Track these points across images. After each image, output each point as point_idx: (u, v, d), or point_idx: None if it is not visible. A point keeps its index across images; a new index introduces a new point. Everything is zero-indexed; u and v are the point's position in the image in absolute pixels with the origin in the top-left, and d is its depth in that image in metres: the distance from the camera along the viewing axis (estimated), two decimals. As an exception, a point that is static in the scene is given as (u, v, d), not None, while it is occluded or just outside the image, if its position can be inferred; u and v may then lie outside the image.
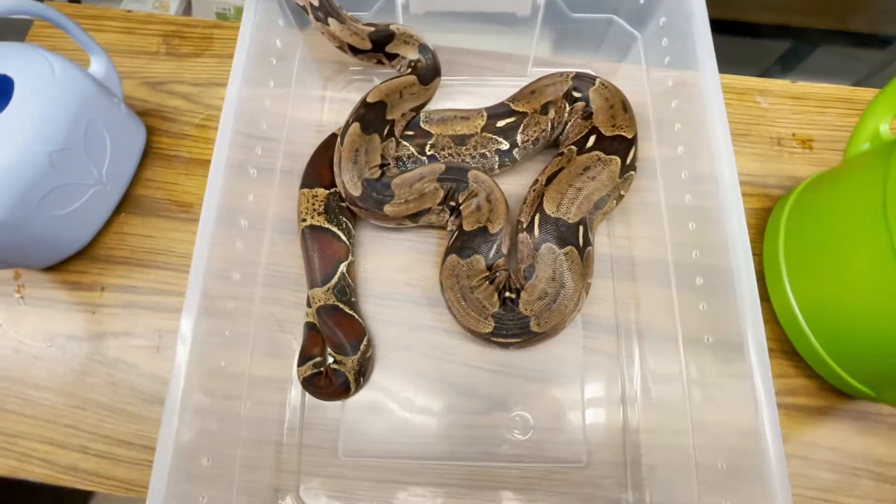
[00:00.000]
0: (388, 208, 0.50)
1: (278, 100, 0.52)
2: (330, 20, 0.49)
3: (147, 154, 0.60)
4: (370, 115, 0.51)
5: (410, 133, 0.54)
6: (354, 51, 0.52)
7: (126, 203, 0.58)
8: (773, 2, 0.71)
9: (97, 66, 0.54)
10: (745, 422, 0.36)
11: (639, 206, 0.54)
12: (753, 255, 0.54)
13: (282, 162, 0.52)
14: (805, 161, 0.59)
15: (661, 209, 0.50)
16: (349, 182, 0.50)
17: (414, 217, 0.52)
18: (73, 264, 0.55)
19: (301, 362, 0.50)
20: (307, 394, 0.50)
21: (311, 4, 0.48)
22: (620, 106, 0.52)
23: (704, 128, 0.42)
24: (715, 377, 0.41)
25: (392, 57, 0.54)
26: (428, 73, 0.54)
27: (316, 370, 0.49)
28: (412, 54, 0.53)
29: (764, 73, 0.73)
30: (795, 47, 0.77)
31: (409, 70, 0.54)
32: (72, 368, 0.52)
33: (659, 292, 0.49)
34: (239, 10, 1.06)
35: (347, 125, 0.51)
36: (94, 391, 0.51)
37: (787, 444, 0.49)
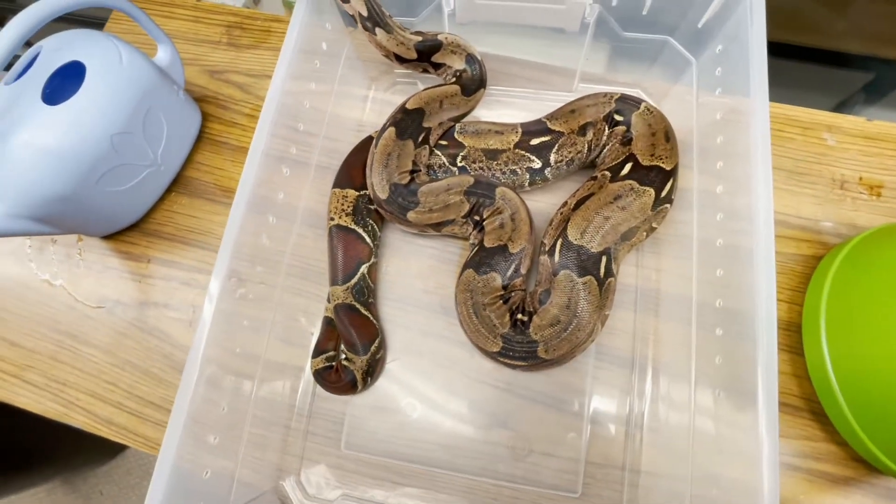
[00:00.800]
0: (411, 215, 0.51)
1: (320, 96, 0.54)
2: (377, 30, 0.49)
3: (200, 138, 0.64)
4: (407, 121, 0.52)
5: (444, 143, 0.54)
6: (400, 60, 0.52)
7: (177, 183, 0.62)
8: (861, 29, 0.64)
9: (163, 54, 0.58)
10: (746, 479, 0.34)
11: (672, 237, 0.52)
12: (794, 304, 0.51)
13: (318, 157, 0.54)
14: (869, 209, 0.53)
15: (693, 245, 0.47)
16: (378, 185, 0.51)
17: (437, 226, 0.52)
18: (127, 235, 0.61)
19: (315, 354, 0.52)
20: (317, 390, 0.52)
21: (359, 14, 0.49)
22: (663, 134, 0.50)
23: (746, 165, 0.40)
24: (724, 428, 0.40)
25: (438, 66, 0.54)
26: (472, 85, 0.53)
27: (328, 364, 0.52)
28: (459, 64, 0.53)
29: (842, 104, 0.67)
30: (880, 79, 0.69)
31: (454, 80, 0.54)
32: (116, 330, 0.57)
33: (680, 330, 0.47)
34: None
35: (384, 128, 0.52)
36: (132, 354, 0.56)
37: (802, 510, 0.46)
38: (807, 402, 0.48)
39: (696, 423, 0.43)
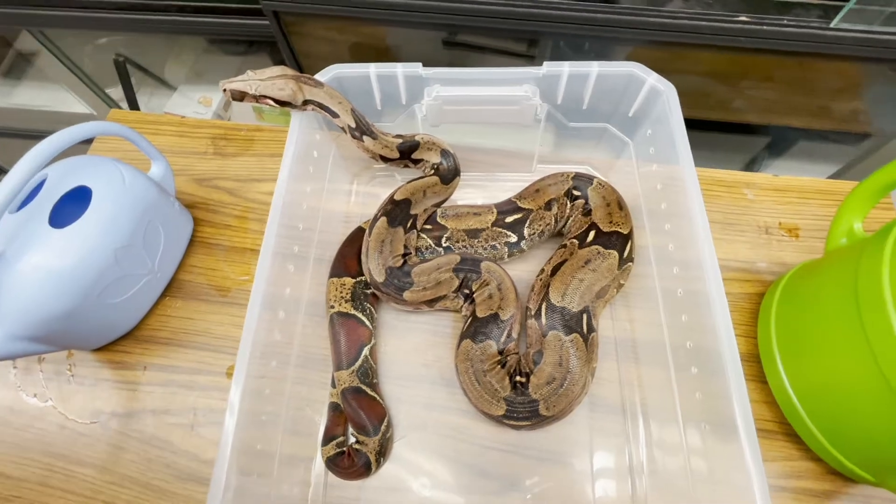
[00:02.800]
0: (407, 294, 0.55)
1: (313, 196, 0.59)
2: (365, 138, 0.57)
3: (192, 242, 0.67)
4: (396, 211, 0.58)
5: (429, 227, 0.61)
6: (385, 160, 0.60)
7: (171, 287, 0.64)
8: (757, 103, 0.80)
9: (157, 169, 0.63)
10: None
11: (638, 290, 0.59)
12: (750, 337, 0.58)
13: (315, 250, 0.59)
14: (793, 248, 0.63)
15: (657, 294, 0.54)
16: (374, 269, 0.56)
17: (430, 302, 0.57)
18: (120, 345, 0.61)
19: (325, 442, 0.53)
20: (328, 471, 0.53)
21: (348, 126, 0.56)
22: (616, 204, 0.58)
23: (688, 223, 0.47)
24: (714, 459, 0.44)
25: (417, 161, 0.61)
26: (448, 175, 0.61)
27: (339, 450, 0.53)
28: (435, 158, 0.61)
29: (752, 161, 0.80)
30: (778, 139, 0.85)
31: (433, 172, 0.61)
32: (112, 444, 0.56)
33: (659, 374, 0.52)
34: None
35: (376, 219, 0.58)
36: (131, 468, 0.55)
37: (797, 529, 0.50)
38: (780, 424, 0.54)
39: (690, 462, 0.47)
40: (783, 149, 0.86)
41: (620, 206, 0.58)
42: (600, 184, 0.60)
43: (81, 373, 0.60)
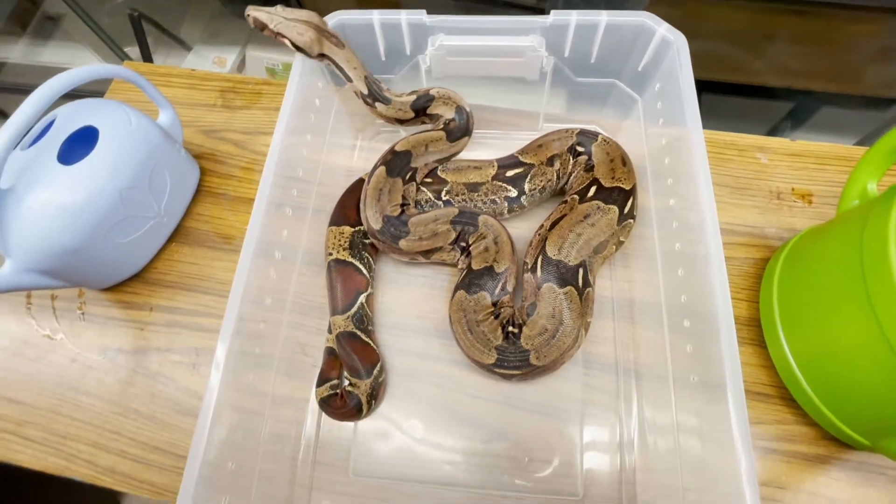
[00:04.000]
0: (402, 243, 0.55)
1: (314, 147, 0.60)
2: (377, 104, 0.57)
3: (199, 191, 0.68)
4: (396, 161, 0.58)
5: (429, 180, 0.60)
6: (401, 122, 0.59)
7: (178, 234, 0.65)
8: (778, 66, 0.76)
9: (165, 117, 0.64)
10: (727, 463, 0.38)
11: (638, 251, 0.58)
12: (752, 302, 0.57)
13: (314, 201, 0.59)
14: (804, 215, 0.61)
15: (657, 255, 0.53)
16: (371, 217, 0.56)
17: (426, 254, 0.57)
18: (129, 286, 0.63)
19: (319, 383, 0.55)
20: (323, 414, 0.54)
21: (360, 92, 0.56)
22: (620, 160, 0.57)
23: (692, 183, 0.46)
24: (704, 419, 0.43)
25: (432, 117, 0.61)
26: (458, 132, 0.60)
27: (332, 391, 0.54)
28: (448, 114, 0.60)
29: (772, 131, 0.77)
30: (800, 107, 0.81)
31: (442, 127, 0.60)
32: (118, 379, 0.58)
33: (654, 334, 0.52)
34: (287, 66, 1.19)
35: (375, 167, 0.58)
36: (136, 401, 0.57)
37: (786, 491, 0.49)
38: (776, 389, 0.53)
39: (678, 415, 0.46)
40: (805, 116, 0.82)
41: (624, 161, 0.57)
42: (605, 140, 0.59)
43: (91, 311, 0.62)
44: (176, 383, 0.58)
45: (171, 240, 0.65)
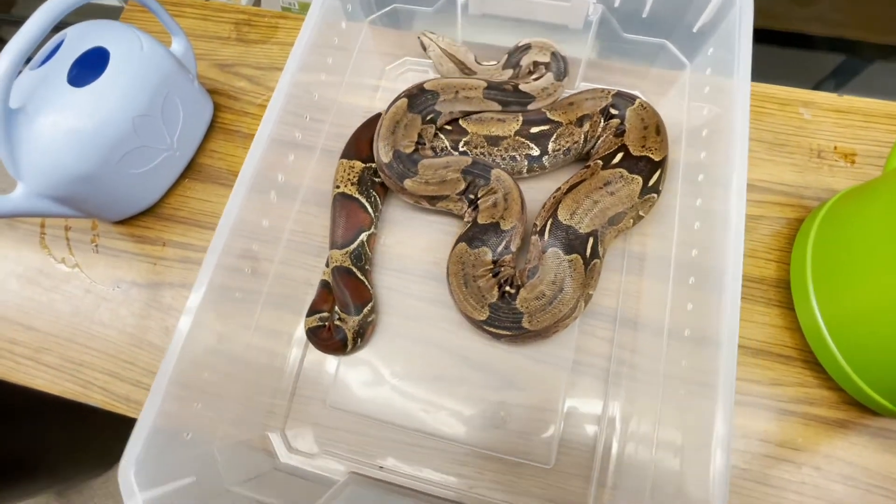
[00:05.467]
0: (407, 183, 0.53)
1: (329, 86, 0.57)
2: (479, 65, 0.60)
3: (212, 127, 0.66)
4: (420, 98, 0.55)
5: (449, 127, 0.57)
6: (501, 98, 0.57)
7: (190, 169, 0.64)
8: (828, 15, 0.70)
9: (177, 45, 0.61)
10: (706, 416, 0.36)
11: (658, 215, 0.55)
12: (782, 263, 0.55)
13: (324, 140, 0.57)
14: (845, 175, 0.58)
15: (675, 211, 0.51)
16: (382, 148, 0.54)
17: (431, 199, 0.55)
18: (141, 220, 0.62)
19: (309, 314, 0.54)
20: (310, 346, 0.54)
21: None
22: (654, 128, 0.53)
23: (727, 140, 0.43)
24: (692, 373, 0.42)
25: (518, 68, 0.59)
26: (505, 99, 0.57)
27: (321, 323, 0.54)
28: (525, 87, 0.57)
29: (816, 87, 0.72)
30: (849, 62, 0.75)
31: (507, 80, 0.58)
32: (132, 311, 0.58)
33: (659, 286, 0.50)
34: (303, 6, 1.13)
35: (397, 99, 0.55)
36: (149, 333, 0.57)
37: (801, 453, 0.49)
38: (799, 352, 0.52)
39: (667, 370, 0.45)
40: (854, 72, 0.76)
41: (658, 130, 0.53)
42: (642, 105, 0.54)
43: (105, 243, 0.62)
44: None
45: (183, 175, 0.63)
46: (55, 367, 0.56)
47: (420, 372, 0.54)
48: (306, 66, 0.51)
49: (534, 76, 0.58)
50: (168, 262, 0.60)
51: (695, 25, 0.51)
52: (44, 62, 0.51)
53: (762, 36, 0.73)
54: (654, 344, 0.48)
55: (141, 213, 0.62)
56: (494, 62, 0.60)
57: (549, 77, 0.57)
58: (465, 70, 0.60)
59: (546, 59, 0.58)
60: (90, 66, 0.52)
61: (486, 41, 0.60)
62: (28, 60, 0.52)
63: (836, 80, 0.82)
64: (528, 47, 0.58)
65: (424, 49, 0.60)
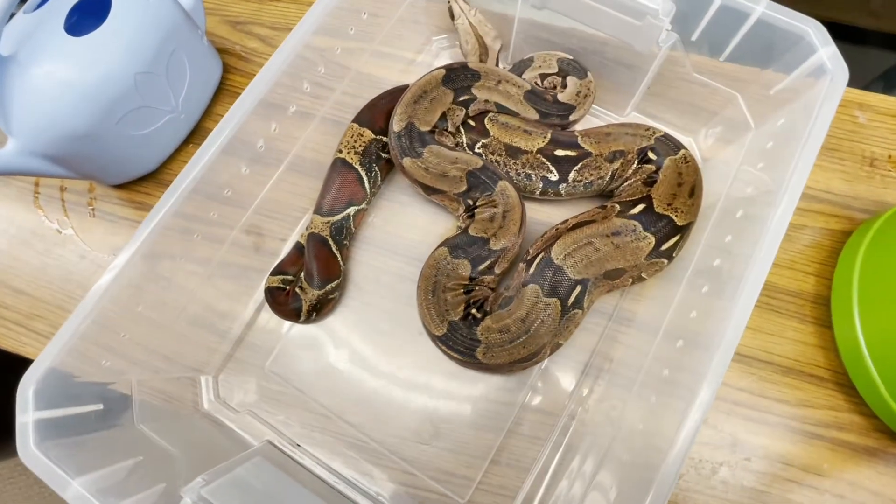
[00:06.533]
0: (406, 161, 0.49)
1: (347, 53, 0.52)
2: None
3: (220, 90, 0.61)
4: (460, 74, 0.51)
5: (472, 122, 0.53)
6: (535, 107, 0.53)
7: (195, 134, 0.60)
8: (885, 10, 0.64)
9: (186, -3, 0.56)
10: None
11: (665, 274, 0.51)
12: (823, 278, 0.51)
13: (327, 109, 0.53)
14: (899, 187, 0.54)
15: (682, 281, 0.46)
16: (398, 115, 0.50)
17: (427, 189, 0.51)
18: (141, 185, 0.58)
19: (274, 272, 0.52)
20: (260, 312, 0.53)
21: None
22: (689, 188, 0.47)
23: (758, 230, 0.38)
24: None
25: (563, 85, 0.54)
26: (548, 111, 0.52)
27: (282, 285, 0.52)
28: (564, 97, 0.52)
29: (866, 88, 0.67)
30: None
31: (545, 88, 0.53)
32: (129, 282, 0.55)
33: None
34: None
35: (435, 69, 0.51)
36: (147, 307, 0.54)
37: (825, 479, 0.46)
38: (832, 373, 0.49)
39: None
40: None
41: (693, 192, 0.47)
42: (685, 158, 0.48)
43: (102, 208, 0.58)
44: (189, 293, 0.54)
45: (188, 140, 0.59)
46: (46, 336, 0.54)
47: (367, 364, 0.51)
48: (325, 28, 0.46)
49: (558, 89, 0.54)
50: (168, 231, 0.56)
51: (774, 86, 0.44)
52: (40, 5, 0.47)
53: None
54: (620, 395, 0.45)
55: (141, 177, 0.58)
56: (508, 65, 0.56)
57: (574, 80, 0.53)
58: (483, 57, 0.55)
59: (553, 69, 0.53)
60: (90, 13, 0.47)
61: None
62: (23, 1, 0.48)
63: (885, 82, 0.77)
64: (531, 60, 0.54)
65: (453, 18, 0.55)
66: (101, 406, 0.39)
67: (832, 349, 0.49)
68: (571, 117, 0.52)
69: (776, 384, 0.49)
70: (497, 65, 0.55)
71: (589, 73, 0.53)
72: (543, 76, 0.54)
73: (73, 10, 0.46)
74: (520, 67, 0.55)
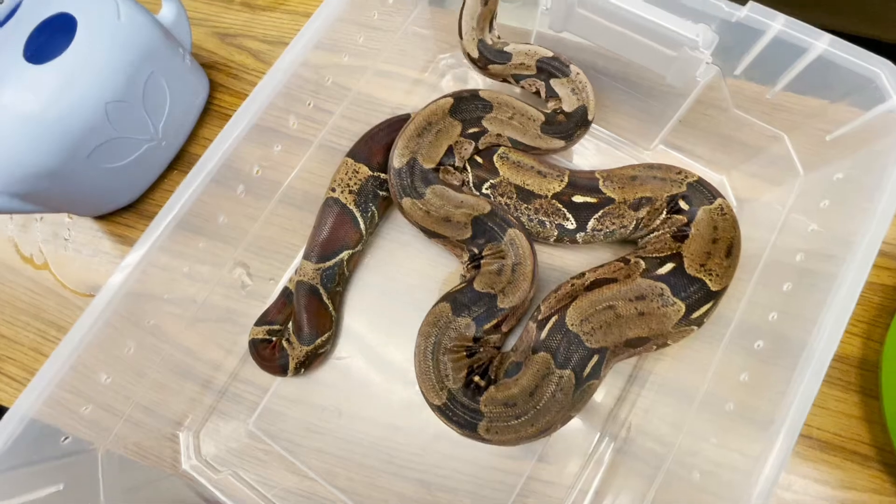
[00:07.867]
0: (406, 202, 0.45)
1: (349, 72, 0.47)
2: (490, 66, 0.46)
3: (207, 111, 0.57)
4: (469, 103, 0.46)
5: (480, 159, 0.47)
6: (517, 79, 0.48)
7: (180, 160, 0.55)
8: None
9: (167, 11, 0.51)
10: None
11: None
12: (871, 340, 0.46)
13: (324, 135, 0.48)
14: (964, 238, 0.48)
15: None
16: (399, 149, 0.45)
17: (427, 232, 0.46)
18: (122, 217, 0.54)
19: (259, 322, 0.48)
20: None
21: (469, 56, 0.46)
22: (726, 246, 0.41)
23: (816, 305, 0.33)
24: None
25: (552, 95, 0.47)
26: (558, 132, 0.46)
27: (267, 337, 0.48)
28: (568, 105, 0.46)
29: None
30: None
31: (549, 112, 0.47)
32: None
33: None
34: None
35: (443, 97, 0.47)
36: (126, 353, 0.50)
37: (862, 569, 0.41)
38: (879, 451, 0.43)
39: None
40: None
41: (730, 251, 0.41)
42: (722, 209, 0.42)
43: (80, 239, 0.54)
44: (169, 337, 0.50)
45: (171, 167, 0.55)
46: (19, 381, 0.50)
47: (359, 422, 0.47)
48: (324, 43, 0.42)
49: (552, 97, 0.47)
50: (150, 268, 0.52)
51: (832, 131, 0.38)
52: (-1, 27, 0.42)
53: (869, 45, 0.60)
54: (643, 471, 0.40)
55: (122, 208, 0.53)
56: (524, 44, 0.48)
57: (560, 81, 0.46)
58: (483, 23, 0.46)
59: (569, 107, 0.46)
60: (55, 34, 0.43)
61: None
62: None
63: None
64: (508, 57, 0.47)
65: None
66: (61, 486, 0.35)
67: (879, 423, 0.44)
68: (589, 117, 0.47)
69: (814, 462, 0.44)
70: (491, 29, 0.47)
71: (571, 66, 0.46)
72: (518, 77, 0.47)
73: (35, 33, 0.42)
74: (498, 57, 0.47)
